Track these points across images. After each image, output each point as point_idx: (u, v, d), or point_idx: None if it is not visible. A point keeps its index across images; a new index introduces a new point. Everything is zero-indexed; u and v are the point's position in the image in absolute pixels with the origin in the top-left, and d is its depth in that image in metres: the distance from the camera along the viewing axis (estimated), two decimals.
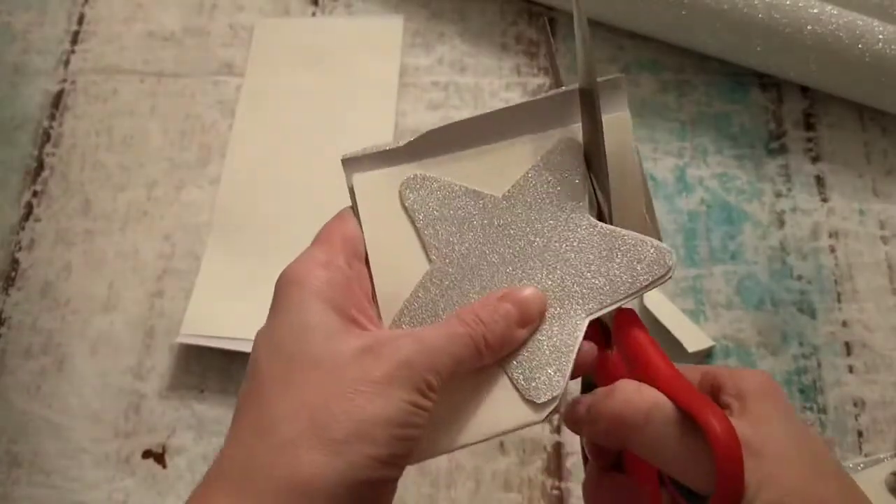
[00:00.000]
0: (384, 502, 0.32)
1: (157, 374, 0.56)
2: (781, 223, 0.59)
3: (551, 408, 0.33)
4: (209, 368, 0.56)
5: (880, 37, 0.58)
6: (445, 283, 0.35)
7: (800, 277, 0.57)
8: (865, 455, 0.52)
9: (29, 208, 0.62)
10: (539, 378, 0.33)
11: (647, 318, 0.55)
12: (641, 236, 0.35)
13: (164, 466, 0.54)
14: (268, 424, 0.30)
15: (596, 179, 0.36)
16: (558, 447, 0.53)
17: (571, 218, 0.36)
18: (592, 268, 0.35)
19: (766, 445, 0.29)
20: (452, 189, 0.36)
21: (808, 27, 0.58)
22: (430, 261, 0.35)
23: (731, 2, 0.59)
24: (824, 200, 0.60)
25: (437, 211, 0.36)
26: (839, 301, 0.56)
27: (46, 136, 0.65)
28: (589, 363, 0.35)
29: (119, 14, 0.70)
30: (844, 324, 0.56)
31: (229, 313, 0.56)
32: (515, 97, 0.64)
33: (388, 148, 0.36)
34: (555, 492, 0.52)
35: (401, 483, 0.52)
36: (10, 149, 0.65)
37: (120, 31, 0.69)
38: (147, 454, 0.54)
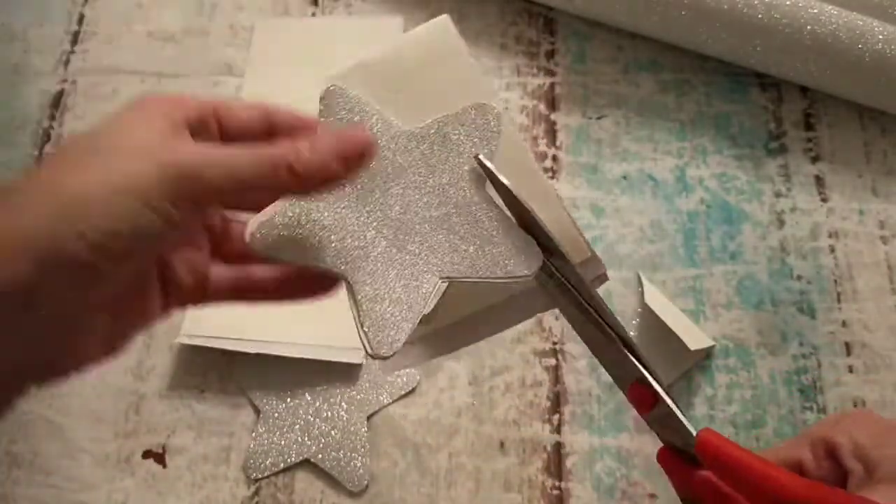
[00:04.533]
0: (85, 294, 0.29)
1: (157, 374, 0.56)
2: (781, 223, 0.59)
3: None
4: (209, 368, 0.56)
5: (880, 37, 0.58)
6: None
7: (799, 277, 0.57)
8: None
9: None
10: (384, 329, 0.34)
11: (649, 317, 0.55)
12: (528, 237, 0.35)
13: (164, 466, 0.54)
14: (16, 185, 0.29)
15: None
16: (558, 447, 0.53)
17: (474, 189, 0.35)
18: (468, 239, 0.35)
19: None
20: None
21: (808, 27, 0.58)
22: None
23: (731, 2, 0.59)
24: (824, 200, 0.60)
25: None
26: (839, 301, 0.56)
27: (46, 136, 0.65)
28: None
29: (119, 14, 0.70)
30: (844, 324, 0.56)
31: (229, 313, 0.55)
32: (515, 97, 0.64)
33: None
34: (555, 492, 0.52)
35: (400, 483, 0.52)
36: (10, 149, 0.65)
37: (120, 31, 0.69)
38: (147, 454, 0.54)
